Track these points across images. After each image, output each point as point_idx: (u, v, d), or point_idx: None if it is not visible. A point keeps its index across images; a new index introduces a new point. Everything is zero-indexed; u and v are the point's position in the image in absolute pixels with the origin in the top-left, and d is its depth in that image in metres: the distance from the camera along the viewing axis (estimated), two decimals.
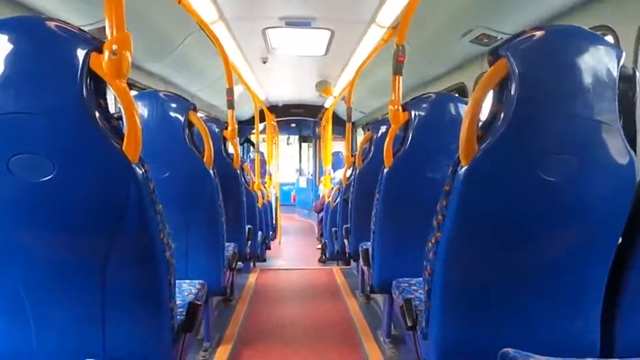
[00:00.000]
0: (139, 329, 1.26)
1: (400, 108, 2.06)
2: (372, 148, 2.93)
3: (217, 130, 2.86)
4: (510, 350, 0.97)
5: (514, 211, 1.17)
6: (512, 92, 1.08)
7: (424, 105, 2.07)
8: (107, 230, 1.13)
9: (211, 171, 2.12)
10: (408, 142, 2.05)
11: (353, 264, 4.20)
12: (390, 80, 2.11)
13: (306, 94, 7.22)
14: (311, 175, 10.34)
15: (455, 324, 1.28)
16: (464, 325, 1.28)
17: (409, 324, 1.50)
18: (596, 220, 1.19)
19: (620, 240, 1.23)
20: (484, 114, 1.18)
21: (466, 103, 1.70)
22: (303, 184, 10.38)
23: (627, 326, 1.24)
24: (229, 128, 2.89)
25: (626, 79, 1.19)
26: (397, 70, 2.12)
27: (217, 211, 2.18)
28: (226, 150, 2.95)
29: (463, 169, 1.16)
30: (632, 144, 1.17)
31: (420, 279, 1.47)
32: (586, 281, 1.25)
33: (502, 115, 1.11)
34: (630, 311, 1.23)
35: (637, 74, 1.22)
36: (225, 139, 2.91)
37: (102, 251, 1.15)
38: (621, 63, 1.14)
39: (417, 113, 2.05)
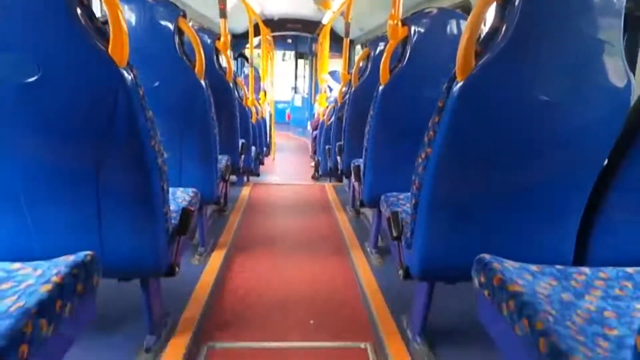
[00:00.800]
0: (135, 231, 1.32)
1: (399, 23, 1.98)
2: (369, 65, 2.87)
3: (208, 41, 2.76)
4: (486, 255, 1.04)
5: (506, 129, 1.19)
6: (516, 5, 1.05)
7: (425, 21, 1.99)
8: (98, 135, 1.15)
9: (203, 82, 2.08)
10: (406, 59, 2.00)
11: (345, 180, 4.30)
12: None
13: (304, 8, 6.85)
14: (307, 94, 10.16)
15: (438, 235, 1.36)
16: (446, 236, 1.35)
17: (395, 234, 1.58)
18: (586, 142, 1.21)
19: (606, 161, 1.26)
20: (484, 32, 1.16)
21: None
22: (298, 102, 10.23)
23: (600, 242, 1.32)
24: (222, 39, 2.78)
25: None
26: None
27: (210, 123, 2.18)
28: (219, 63, 2.87)
29: (458, 85, 1.15)
30: (632, 66, 1.16)
31: (409, 194, 1.52)
32: (568, 199, 1.31)
33: (503, 30, 1.09)
34: (605, 228, 1.30)
35: None
36: (217, 51, 2.82)
37: (94, 156, 1.17)
38: None
39: (416, 29, 1.98)
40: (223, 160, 2.67)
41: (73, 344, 0.92)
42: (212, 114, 2.19)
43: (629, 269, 1.00)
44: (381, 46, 2.84)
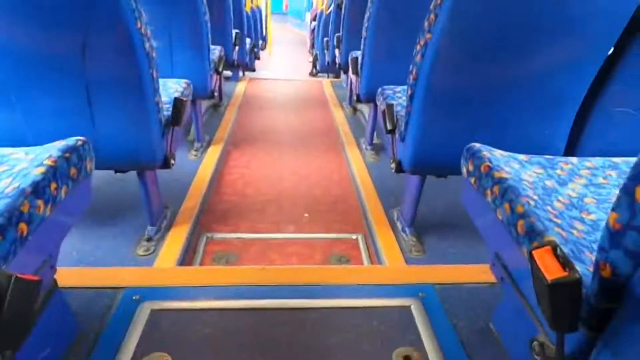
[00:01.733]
0: (126, 120, 1.31)
1: None
2: None
3: None
4: (476, 144, 1.04)
5: (509, 17, 1.12)
6: None
7: None
8: (81, 17, 1.08)
9: None
10: None
11: (343, 76, 4.18)
12: None
13: None
14: None
15: (432, 127, 1.35)
16: (440, 128, 1.35)
17: (389, 127, 1.57)
18: (594, 34, 1.15)
19: (611, 51, 1.21)
20: None
21: None
22: None
23: (593, 133, 1.32)
24: None
25: None
26: None
27: (199, 8, 2.05)
28: None
29: None
30: None
31: (405, 87, 1.48)
32: (566, 91, 1.28)
33: None
34: (600, 119, 1.30)
35: None
36: None
37: (78, 39, 1.12)
38: None
39: None
40: (216, 51, 2.56)
41: (70, 229, 0.95)
42: None
43: (616, 159, 1.00)
44: None
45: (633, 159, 1.07)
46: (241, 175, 2.19)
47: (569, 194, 0.88)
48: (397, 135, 1.55)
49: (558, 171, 0.96)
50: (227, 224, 1.76)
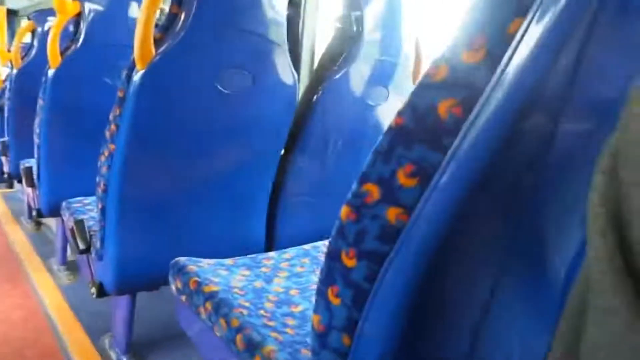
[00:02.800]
0: None
1: None
2: (36, 43, 2.38)
3: None
4: (181, 258, 0.98)
5: (192, 121, 1.16)
6: None
7: None
8: None
9: None
10: (80, 40, 1.72)
11: (18, 186, 3.49)
12: None
13: None
14: None
15: (132, 240, 1.22)
16: (141, 240, 1.24)
17: (81, 246, 1.35)
18: (265, 133, 1.31)
19: (282, 150, 1.41)
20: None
21: None
22: None
23: (284, 225, 1.47)
24: None
25: (293, 5, 1.30)
26: None
27: None
28: None
29: (139, 74, 1.04)
30: (296, 66, 1.31)
31: (95, 197, 1.32)
32: (255, 188, 1.40)
33: (182, 17, 1.04)
34: (286, 211, 1.46)
35: (303, 1, 1.35)
36: None
37: None
38: None
39: (91, 6, 1.73)
40: None
41: None
42: None
43: (306, 246, 1.14)
44: (51, 21, 2.39)
45: (320, 243, 1.24)
46: None
47: (276, 290, 0.92)
48: (93, 254, 1.34)
49: (263, 269, 1.00)
50: None
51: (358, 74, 1.37)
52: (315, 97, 1.36)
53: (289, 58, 1.26)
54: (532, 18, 0.35)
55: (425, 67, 1.57)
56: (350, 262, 0.51)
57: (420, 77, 0.43)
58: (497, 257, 0.51)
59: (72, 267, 2.13)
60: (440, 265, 0.46)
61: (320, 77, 1.36)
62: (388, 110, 1.50)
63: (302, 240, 1.28)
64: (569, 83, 0.37)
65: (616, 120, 0.50)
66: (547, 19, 0.34)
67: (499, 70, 0.37)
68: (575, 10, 0.33)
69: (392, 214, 0.46)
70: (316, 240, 1.26)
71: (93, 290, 1.33)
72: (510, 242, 0.50)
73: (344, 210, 0.51)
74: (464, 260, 0.49)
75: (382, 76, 1.43)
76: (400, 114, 0.45)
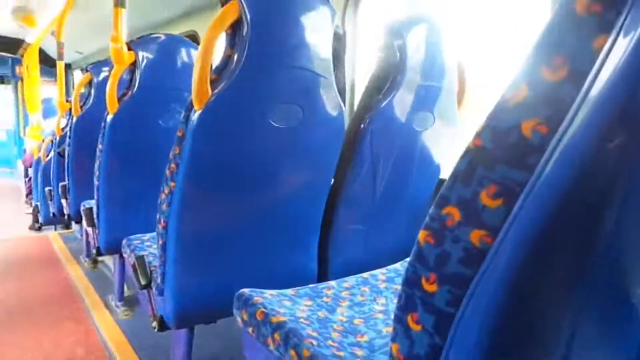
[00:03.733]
0: None
1: (124, 46, 1.81)
2: (93, 92, 2.54)
3: None
4: (245, 290, 1.00)
5: (247, 156, 1.20)
6: (244, 35, 1.07)
7: (153, 46, 1.88)
8: None
9: None
10: (136, 86, 1.83)
11: (75, 226, 3.67)
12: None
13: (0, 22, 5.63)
14: (13, 126, 8.38)
15: (191, 275, 1.26)
16: (200, 274, 1.27)
17: (143, 282, 1.39)
18: (315, 164, 1.34)
19: (332, 181, 1.42)
20: (217, 59, 1.15)
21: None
22: (2, 136, 8.35)
23: (337, 254, 1.47)
24: None
25: (338, 38, 1.34)
26: (120, 2, 1.84)
27: None
28: None
29: (197, 114, 1.10)
30: (342, 97, 1.34)
31: (154, 234, 1.37)
32: (307, 218, 1.41)
33: (235, 59, 1.09)
34: (339, 240, 1.46)
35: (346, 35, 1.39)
36: None
37: None
38: (334, 23, 1.27)
39: (145, 54, 1.85)
40: None
41: None
42: None
43: (365, 274, 1.13)
44: (105, 71, 2.56)
45: (377, 271, 1.23)
46: None
47: (340, 320, 0.92)
48: (154, 289, 1.38)
49: (324, 299, 1.00)
50: None
51: (403, 100, 1.38)
52: (362, 125, 1.38)
53: (336, 89, 1.29)
54: (618, 34, 0.35)
55: (469, 90, 1.56)
56: (431, 287, 0.50)
57: (498, 98, 0.44)
58: (583, 282, 0.50)
59: (129, 303, 2.19)
60: (527, 289, 0.45)
61: (367, 105, 1.38)
62: (434, 135, 1.50)
63: (354, 268, 1.27)
64: None
65: None
66: (634, 34, 0.34)
67: (584, 87, 0.37)
68: None
69: (476, 236, 0.45)
70: (368, 268, 1.25)
71: (154, 324, 1.36)
72: (593, 271, 0.49)
73: (421, 234, 0.51)
74: (550, 285, 0.48)
75: (426, 101, 1.43)
76: (478, 135, 0.45)
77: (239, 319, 0.98)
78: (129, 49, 1.82)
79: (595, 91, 0.36)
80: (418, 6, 1.68)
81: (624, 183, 0.43)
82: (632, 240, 0.50)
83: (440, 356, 0.50)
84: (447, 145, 1.55)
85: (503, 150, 0.43)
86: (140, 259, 1.44)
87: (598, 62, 0.36)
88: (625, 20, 0.35)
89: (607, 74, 0.36)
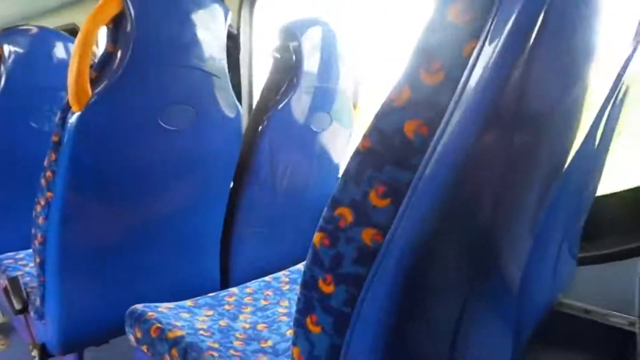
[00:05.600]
0: None
1: None
2: None
3: None
4: (138, 306, 0.93)
5: (136, 161, 1.11)
6: (128, 30, 0.99)
7: (22, 39, 1.66)
8: None
9: None
10: (1, 84, 1.61)
11: None
12: None
13: None
14: None
15: (76, 294, 1.13)
16: (87, 292, 1.15)
17: (18, 306, 1.23)
18: (212, 168, 1.29)
19: (231, 184, 1.39)
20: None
21: None
22: None
23: (239, 259, 1.43)
24: None
25: (232, 38, 1.31)
26: None
27: None
28: None
29: (75, 116, 0.99)
30: (238, 98, 1.31)
31: (29, 251, 1.22)
32: (205, 225, 1.35)
33: (118, 55, 1.01)
34: (240, 244, 1.43)
35: (241, 35, 1.37)
36: None
37: None
38: (228, 22, 1.23)
39: (12, 48, 1.63)
40: None
41: None
42: None
43: (267, 278, 1.11)
44: None
45: (280, 274, 1.22)
46: None
47: (243, 327, 0.89)
48: (32, 314, 1.23)
49: (226, 306, 0.97)
50: None
51: (300, 102, 1.39)
52: (260, 127, 1.36)
53: (231, 90, 1.26)
54: (485, 41, 0.38)
55: (363, 91, 1.63)
56: (328, 289, 0.51)
57: (384, 100, 0.45)
58: (467, 270, 0.54)
59: (3, 331, 1.93)
60: (417, 282, 0.48)
61: (264, 107, 1.36)
62: (332, 135, 1.53)
63: (258, 273, 1.25)
64: (518, 98, 0.40)
65: (553, 131, 0.55)
66: (498, 41, 0.37)
67: (457, 90, 0.39)
68: (521, 31, 0.36)
69: (367, 235, 0.47)
70: (272, 271, 1.23)
71: (34, 353, 1.21)
72: (476, 255, 0.53)
73: (317, 237, 0.51)
74: (438, 275, 0.51)
75: (323, 102, 1.46)
76: (366, 136, 0.46)
77: (131, 338, 0.91)
78: None
79: (466, 95, 0.39)
80: (313, 8, 1.71)
81: (497, 178, 0.47)
82: (506, 228, 0.55)
83: (340, 356, 0.51)
84: (343, 146, 1.60)
85: (389, 152, 0.44)
86: (14, 280, 1.27)
87: (468, 67, 0.39)
88: (490, 27, 0.38)
89: (476, 79, 0.39)
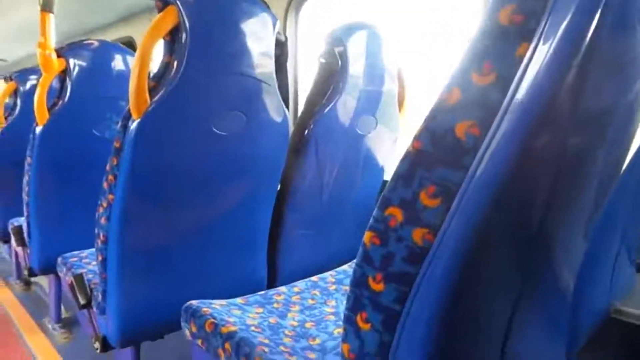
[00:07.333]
0: None
1: (54, 53, 1.71)
2: (19, 102, 2.38)
3: None
4: (193, 302, 0.97)
5: (190, 165, 1.17)
6: (184, 41, 1.05)
7: (85, 53, 1.79)
8: None
9: None
10: (67, 95, 1.73)
11: (3, 246, 3.40)
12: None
13: None
14: None
15: (135, 290, 1.20)
16: (145, 289, 1.22)
17: (82, 301, 1.32)
18: (261, 171, 1.33)
19: (279, 186, 1.42)
20: (155, 66, 1.12)
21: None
22: None
23: (287, 259, 1.47)
24: None
25: (279, 44, 1.35)
26: (47, 6, 1.73)
27: None
28: None
29: (135, 123, 1.06)
30: (285, 103, 1.35)
31: (93, 250, 1.30)
32: (254, 225, 1.40)
33: (174, 65, 1.07)
34: (287, 245, 1.46)
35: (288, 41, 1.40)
36: None
37: None
38: (276, 30, 1.27)
39: (76, 61, 1.75)
40: None
41: None
42: None
43: (314, 278, 1.14)
44: (33, 80, 2.40)
45: (327, 274, 1.24)
46: None
47: (292, 325, 0.92)
48: (95, 309, 1.31)
49: (275, 305, 0.99)
50: None
51: (346, 105, 1.41)
52: (306, 131, 1.39)
53: (279, 95, 1.29)
54: (539, 41, 0.38)
55: (409, 94, 1.62)
56: (378, 287, 0.52)
57: (434, 102, 0.46)
58: (518, 271, 0.53)
59: (67, 325, 2.06)
60: (468, 282, 0.48)
61: (311, 110, 1.39)
62: (377, 138, 1.54)
63: (303, 273, 1.28)
64: (574, 98, 0.40)
65: (610, 131, 0.53)
66: (552, 40, 0.37)
67: (510, 91, 0.40)
68: (577, 30, 0.36)
69: (418, 235, 0.47)
70: (317, 271, 1.25)
71: (97, 345, 1.29)
72: (528, 256, 0.52)
73: (367, 236, 0.52)
74: (489, 276, 0.51)
75: (368, 106, 1.47)
76: (417, 138, 0.47)
77: (187, 332, 0.96)
78: (59, 56, 1.72)
79: (519, 95, 0.39)
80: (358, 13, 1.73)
81: (551, 179, 0.46)
82: (559, 230, 0.54)
83: (389, 353, 0.52)
84: (389, 148, 1.60)
85: (440, 152, 0.45)
86: (79, 277, 1.36)
87: (521, 67, 0.39)
88: (544, 28, 0.38)
89: (530, 79, 0.39)
